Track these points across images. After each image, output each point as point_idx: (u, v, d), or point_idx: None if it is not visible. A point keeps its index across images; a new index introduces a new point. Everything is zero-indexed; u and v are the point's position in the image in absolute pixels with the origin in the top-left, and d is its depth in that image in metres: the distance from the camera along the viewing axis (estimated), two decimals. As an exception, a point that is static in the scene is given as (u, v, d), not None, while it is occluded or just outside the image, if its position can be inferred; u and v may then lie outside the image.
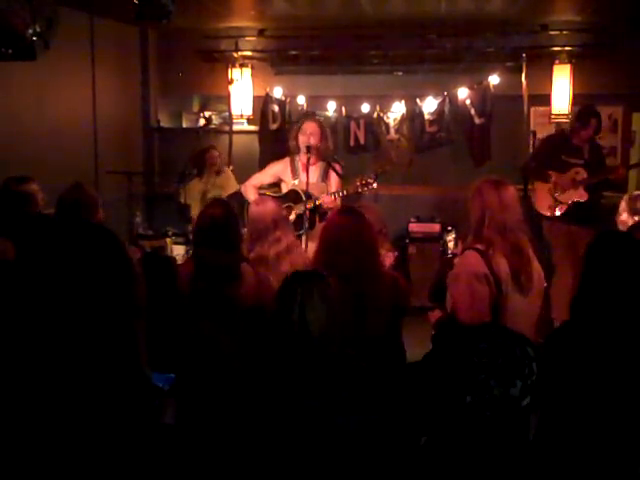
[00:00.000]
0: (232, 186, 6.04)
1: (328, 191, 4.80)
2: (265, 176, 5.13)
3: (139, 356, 1.35)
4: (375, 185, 4.71)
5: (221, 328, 2.78)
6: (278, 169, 5.04)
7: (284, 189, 4.99)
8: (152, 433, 1.32)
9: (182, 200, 6.13)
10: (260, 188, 5.07)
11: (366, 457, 1.93)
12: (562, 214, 5.42)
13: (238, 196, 5.45)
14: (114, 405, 1.26)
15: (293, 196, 4.82)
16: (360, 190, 4.74)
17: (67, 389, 1.24)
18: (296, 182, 4.88)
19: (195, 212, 5.73)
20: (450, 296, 2.96)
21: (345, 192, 4.73)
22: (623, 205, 3.95)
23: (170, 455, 1.35)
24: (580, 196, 5.39)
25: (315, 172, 4.84)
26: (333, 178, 4.87)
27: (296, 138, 4.88)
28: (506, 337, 1.87)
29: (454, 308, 2.91)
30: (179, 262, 4.11)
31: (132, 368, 1.32)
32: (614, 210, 4.05)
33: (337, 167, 4.86)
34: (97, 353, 1.27)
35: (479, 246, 2.88)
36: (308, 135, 4.78)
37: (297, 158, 4.93)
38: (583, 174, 5.39)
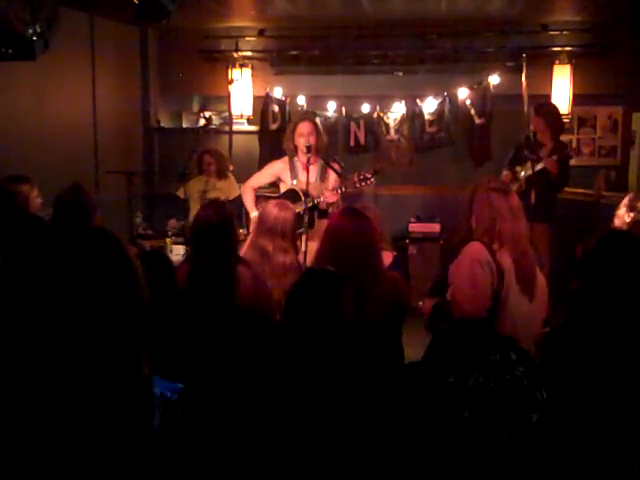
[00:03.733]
0: (234, 193, 5.98)
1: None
2: (264, 176, 5.11)
3: (140, 359, 1.32)
4: (373, 180, 4.70)
5: (217, 331, 2.77)
6: (278, 168, 5.02)
7: (282, 189, 4.98)
8: (150, 440, 1.30)
9: (181, 195, 6.11)
10: (259, 188, 5.07)
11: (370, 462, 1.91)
12: None
13: (238, 198, 5.45)
14: (112, 409, 1.24)
15: (291, 195, 4.81)
16: (358, 185, 4.72)
17: (63, 395, 1.23)
18: (295, 182, 4.87)
19: (193, 210, 5.72)
20: (451, 284, 2.91)
21: (344, 188, 4.72)
22: (625, 201, 4.01)
23: (166, 463, 1.33)
24: (517, 189, 5.18)
25: (314, 172, 4.83)
26: (331, 177, 4.86)
27: (292, 140, 4.85)
28: (497, 334, 1.86)
29: (454, 297, 2.86)
30: (177, 263, 4.10)
31: (132, 373, 1.29)
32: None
33: (336, 166, 4.84)
34: (97, 358, 1.25)
35: (485, 239, 2.90)
36: (307, 135, 4.75)
37: (295, 159, 4.92)
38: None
